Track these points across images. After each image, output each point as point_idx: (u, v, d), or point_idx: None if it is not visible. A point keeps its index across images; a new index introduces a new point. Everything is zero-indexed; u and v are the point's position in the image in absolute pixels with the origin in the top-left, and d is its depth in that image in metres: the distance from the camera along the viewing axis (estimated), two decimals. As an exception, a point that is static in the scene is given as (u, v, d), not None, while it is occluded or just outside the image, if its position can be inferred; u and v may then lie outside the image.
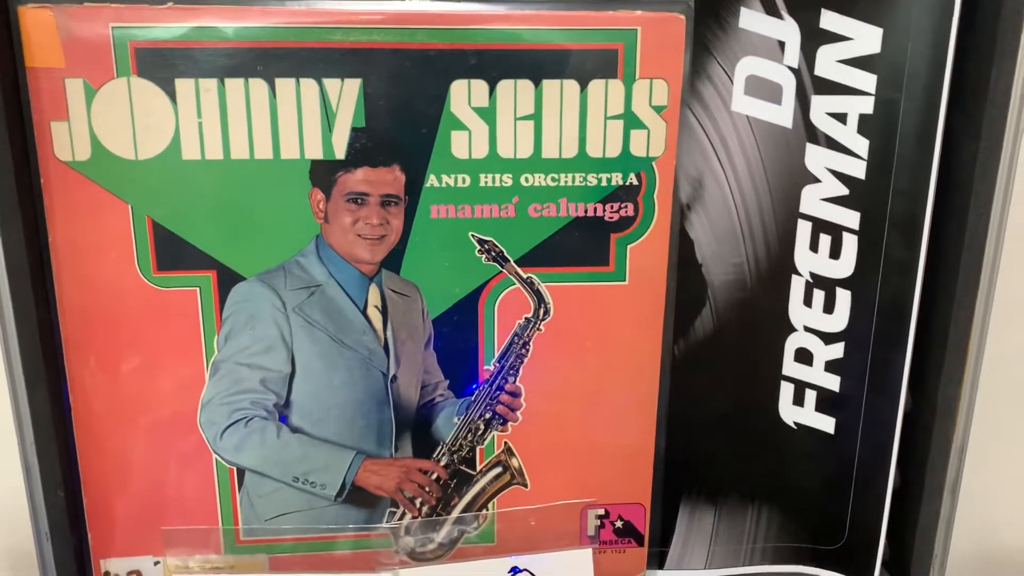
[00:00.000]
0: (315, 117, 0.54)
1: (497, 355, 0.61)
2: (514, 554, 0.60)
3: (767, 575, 0.68)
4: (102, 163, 0.54)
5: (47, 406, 0.57)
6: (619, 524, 0.66)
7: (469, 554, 0.63)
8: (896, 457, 0.64)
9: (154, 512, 0.61)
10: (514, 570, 0.59)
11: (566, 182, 0.57)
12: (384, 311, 0.59)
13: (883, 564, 0.67)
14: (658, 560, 0.67)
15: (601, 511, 0.65)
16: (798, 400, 0.64)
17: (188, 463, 0.60)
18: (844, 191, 0.58)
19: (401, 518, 0.63)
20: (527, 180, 0.56)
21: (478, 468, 0.63)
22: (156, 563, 0.63)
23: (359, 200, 0.56)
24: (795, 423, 0.64)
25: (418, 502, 0.63)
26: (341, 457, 0.61)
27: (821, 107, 0.57)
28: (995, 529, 0.76)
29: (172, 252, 0.56)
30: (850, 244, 0.60)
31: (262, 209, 0.56)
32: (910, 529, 0.66)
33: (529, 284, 0.59)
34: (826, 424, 0.64)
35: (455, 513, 0.63)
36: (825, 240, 0.60)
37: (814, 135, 0.58)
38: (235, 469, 0.61)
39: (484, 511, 0.63)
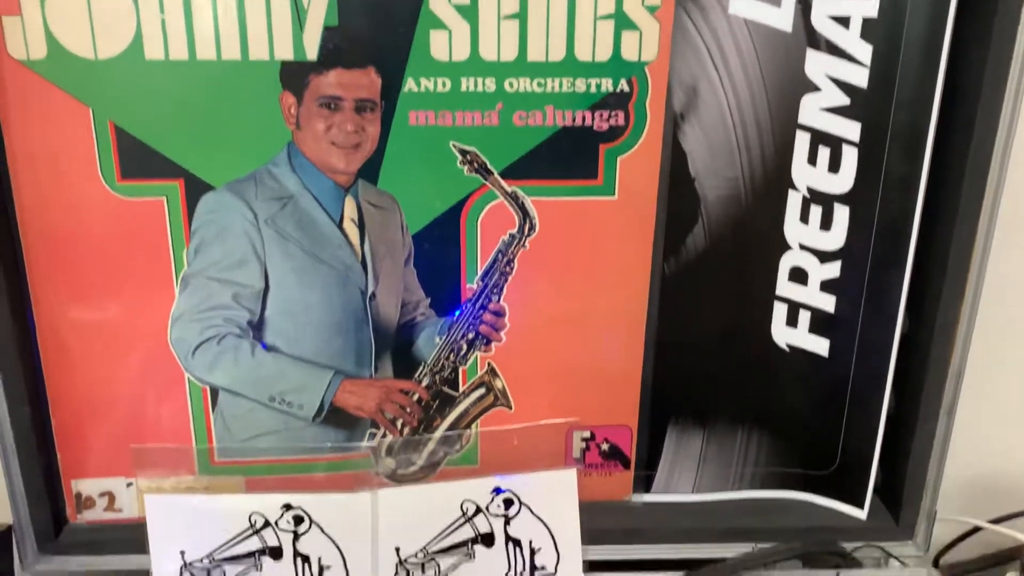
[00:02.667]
0: (285, 14, 0.51)
1: (480, 273, 0.58)
2: (497, 475, 0.58)
3: (756, 500, 0.66)
4: (60, 62, 0.51)
5: (9, 321, 0.55)
6: (605, 447, 0.64)
7: (451, 476, 0.61)
8: (891, 381, 0.62)
9: (125, 433, 0.60)
10: (497, 491, 0.58)
11: (553, 88, 0.54)
12: (361, 224, 0.56)
13: (875, 490, 0.65)
14: (644, 483, 0.66)
15: (587, 433, 0.63)
16: (791, 321, 0.62)
17: (159, 382, 0.58)
18: (845, 100, 0.55)
19: (381, 441, 0.62)
20: (511, 85, 0.53)
21: (461, 389, 0.61)
22: (129, 485, 0.61)
23: (332, 105, 0.53)
24: (788, 345, 0.62)
25: (399, 423, 0.61)
26: (319, 377, 0.59)
27: (823, 10, 0.54)
28: (989, 456, 0.74)
29: (137, 159, 0.53)
30: (850, 157, 0.57)
31: (230, 114, 0.53)
32: (903, 454, 0.64)
33: (514, 198, 0.56)
34: (820, 346, 0.62)
35: (437, 434, 0.62)
36: (824, 153, 0.57)
37: (815, 40, 0.54)
38: (208, 389, 0.59)
39: (467, 431, 0.61)
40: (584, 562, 0.60)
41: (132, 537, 0.60)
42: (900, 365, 0.62)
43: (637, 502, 0.66)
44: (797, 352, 0.62)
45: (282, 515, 0.57)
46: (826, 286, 0.60)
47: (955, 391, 0.62)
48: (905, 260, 0.59)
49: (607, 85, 0.54)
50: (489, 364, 0.61)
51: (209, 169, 0.54)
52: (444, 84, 0.53)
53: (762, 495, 0.67)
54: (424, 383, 0.61)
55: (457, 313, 0.59)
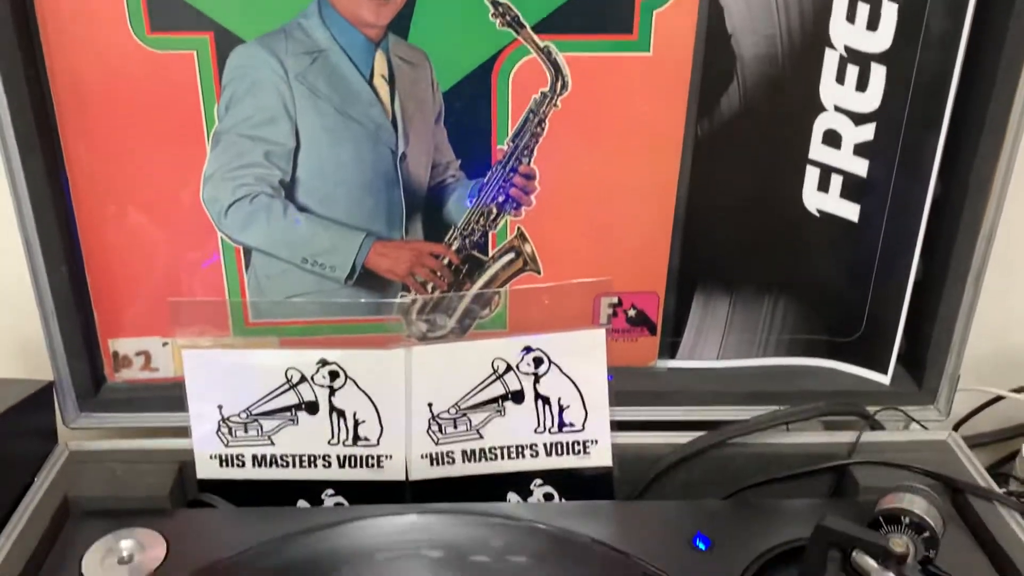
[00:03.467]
0: None
1: (511, 134, 0.58)
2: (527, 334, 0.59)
3: (780, 367, 0.67)
4: (85, -91, 0.50)
5: (43, 180, 0.55)
6: (632, 313, 0.65)
7: (481, 339, 0.62)
8: (920, 246, 0.62)
9: (160, 293, 0.60)
10: (527, 349, 0.59)
11: (588, -63, 0.52)
12: (391, 81, 0.56)
13: (899, 357, 0.66)
14: (670, 350, 0.67)
15: (614, 299, 0.64)
16: (823, 186, 0.61)
17: (193, 241, 0.59)
18: (887, -47, 0.54)
19: (413, 303, 0.62)
20: (546, -66, 0.52)
21: (490, 254, 0.62)
22: (164, 344, 0.63)
23: (363, -47, 0.52)
24: (818, 211, 0.62)
25: (430, 287, 0.62)
26: (350, 238, 0.60)
27: None
28: (1012, 329, 0.75)
29: (166, 11, 0.53)
30: (889, 14, 0.56)
31: (260, -38, 0.52)
32: (928, 320, 0.65)
33: (546, 53, 0.55)
34: (850, 212, 0.62)
35: (467, 297, 0.62)
36: (863, 9, 0.56)
37: None
38: (242, 249, 0.59)
39: (497, 290, 0.62)
40: (611, 422, 0.61)
41: (170, 395, 0.61)
42: (930, 230, 0.62)
43: (662, 368, 0.67)
44: (827, 217, 0.62)
45: (318, 370, 0.58)
46: (859, 149, 0.60)
47: (984, 256, 0.62)
48: (941, 121, 0.58)
49: (643, -66, 0.52)
50: (519, 229, 0.61)
51: (239, 22, 0.53)
52: (477, -68, 0.52)
53: (786, 362, 0.68)
54: (454, 247, 0.61)
55: (487, 175, 0.59)
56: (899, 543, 0.44)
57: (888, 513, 0.49)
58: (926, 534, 0.48)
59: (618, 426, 0.61)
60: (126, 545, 0.53)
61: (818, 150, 0.60)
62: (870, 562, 0.46)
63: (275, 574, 0.52)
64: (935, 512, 0.49)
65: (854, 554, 0.47)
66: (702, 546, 0.54)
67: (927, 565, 0.48)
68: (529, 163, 0.59)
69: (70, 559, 0.53)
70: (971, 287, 0.63)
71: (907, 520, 0.48)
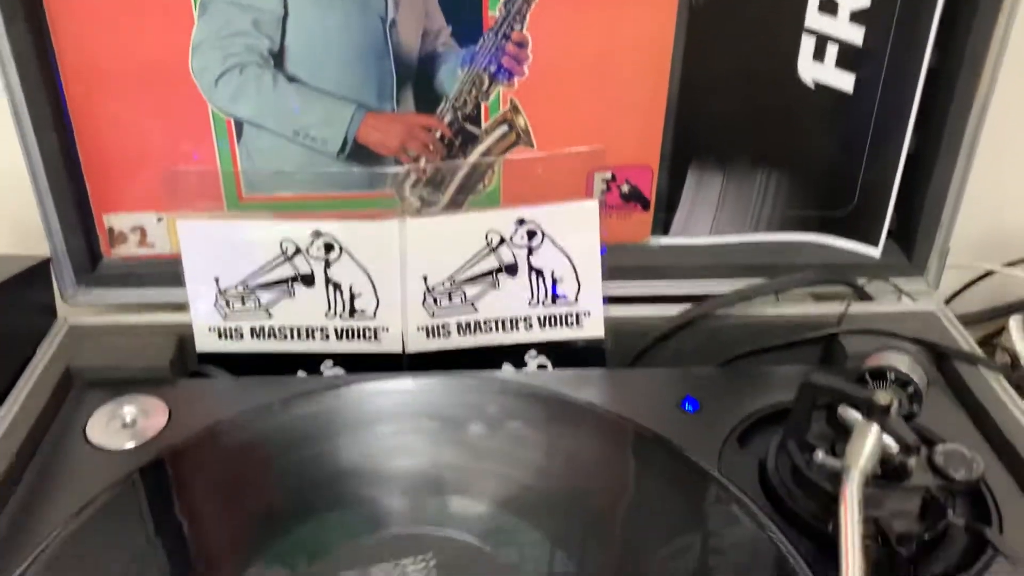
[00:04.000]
0: None
1: (502, -1, 0.57)
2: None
3: (772, 242, 0.68)
4: None
5: (29, 47, 0.55)
6: (625, 188, 0.65)
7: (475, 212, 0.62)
8: (915, 117, 0.61)
9: (153, 167, 0.60)
10: (520, 222, 0.59)
11: None
12: (381, -56, 0.55)
13: (889, 232, 0.67)
14: (663, 226, 0.67)
15: (608, 174, 0.64)
16: (818, 55, 0.61)
17: (183, 114, 0.58)
18: None
19: (406, 178, 0.62)
20: None
21: (483, 127, 0.61)
22: (159, 220, 0.63)
23: None
24: (813, 82, 0.62)
25: (422, 161, 0.62)
26: (341, 110, 0.59)
27: None
28: (1004, 206, 0.75)
29: None
30: None
31: None
32: (920, 194, 0.65)
33: (538, -85, 0.54)
34: (845, 82, 0.62)
35: (461, 172, 0.62)
36: None
37: None
38: (232, 121, 0.59)
39: (491, 160, 0.62)
40: (603, 296, 0.62)
41: (167, 271, 0.61)
42: (924, 102, 0.61)
43: (655, 244, 0.68)
44: (822, 89, 0.62)
45: (312, 242, 0.58)
46: (856, 16, 0.59)
47: (977, 128, 0.62)
48: (939, -14, 0.57)
49: None
50: (512, 101, 0.61)
51: None
52: None
53: (778, 237, 0.68)
54: (446, 120, 0.61)
55: (479, 42, 0.58)
56: (884, 396, 0.45)
57: (874, 370, 0.50)
58: (910, 389, 0.49)
59: (610, 301, 0.62)
60: (129, 411, 0.55)
61: (814, 18, 0.60)
62: (855, 415, 0.47)
63: (276, 433, 0.53)
64: (920, 370, 0.50)
65: (839, 409, 0.48)
66: (690, 408, 0.55)
67: (910, 420, 0.49)
68: (522, 30, 0.58)
69: (74, 425, 0.54)
70: (963, 159, 0.63)
71: (892, 376, 0.49)
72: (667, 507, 0.49)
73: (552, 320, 0.61)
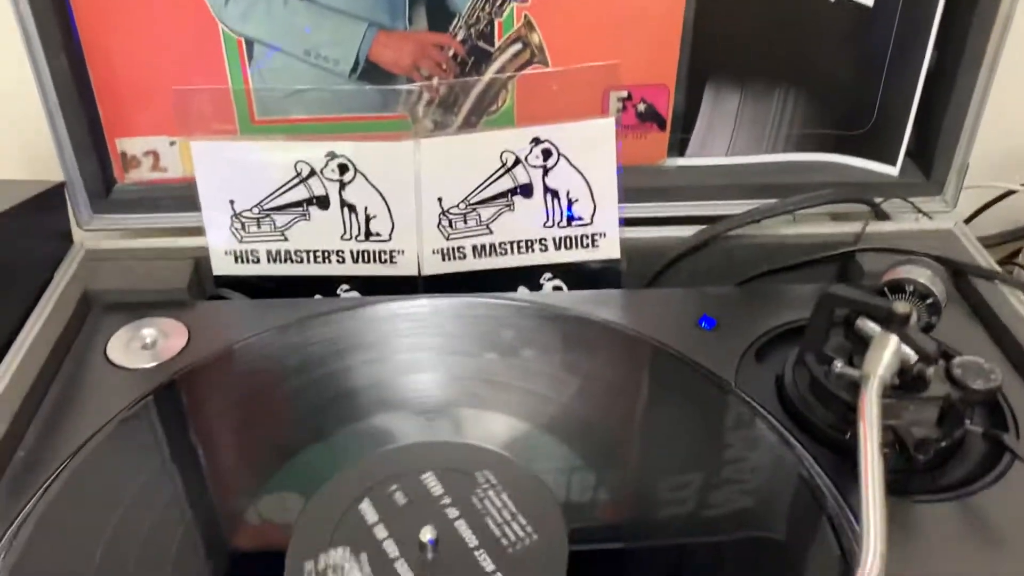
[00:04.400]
0: None
1: (516, -87, 0.56)
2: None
3: (790, 162, 0.67)
4: None
5: (37, -35, 0.54)
6: (641, 107, 0.64)
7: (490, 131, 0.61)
8: (935, 31, 0.60)
9: (164, 89, 0.60)
10: (535, 141, 0.58)
11: None
12: None
13: (907, 152, 0.66)
14: (679, 147, 0.67)
15: (624, 93, 0.63)
16: (839, -33, 0.59)
17: (194, 34, 0.58)
18: None
19: (419, 99, 0.62)
20: None
21: (496, 44, 0.60)
22: (172, 143, 0.62)
23: None
24: (833, -5, 0.60)
25: (435, 80, 0.61)
26: (352, 29, 0.58)
27: None
28: (1022, 127, 0.74)
29: None
30: None
31: None
32: (939, 112, 0.64)
33: None
34: (866, -4, 0.60)
35: (475, 91, 0.61)
36: None
37: None
38: (243, 41, 0.58)
39: (505, 78, 0.61)
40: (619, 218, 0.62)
41: (181, 195, 0.61)
42: (945, 16, 0.60)
43: (671, 165, 0.67)
44: (842, 3, 0.61)
45: (327, 164, 0.58)
46: (878, -74, 0.58)
47: (999, 44, 0.60)
48: None
49: None
50: (526, 16, 0.60)
51: None
52: None
53: (796, 158, 0.67)
54: (459, 37, 0.60)
55: (493, -43, 0.57)
56: (903, 305, 0.45)
57: (892, 283, 0.50)
58: (929, 301, 0.49)
59: (626, 223, 0.62)
60: (148, 333, 0.55)
61: (835, -72, 0.58)
62: (873, 327, 0.47)
63: (293, 354, 0.53)
64: (939, 282, 0.50)
65: (858, 321, 0.48)
66: (707, 326, 0.55)
67: (928, 332, 0.49)
68: (535, -54, 0.57)
69: (95, 347, 0.54)
70: (984, 76, 0.62)
71: (911, 288, 0.49)
72: (686, 421, 0.49)
73: (567, 242, 0.61)
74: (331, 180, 0.58)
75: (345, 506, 0.42)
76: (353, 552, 0.40)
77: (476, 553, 0.40)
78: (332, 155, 0.57)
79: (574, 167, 0.59)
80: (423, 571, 0.39)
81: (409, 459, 0.45)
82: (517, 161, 0.59)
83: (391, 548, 0.40)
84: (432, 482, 0.44)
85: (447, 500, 0.43)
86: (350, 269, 0.61)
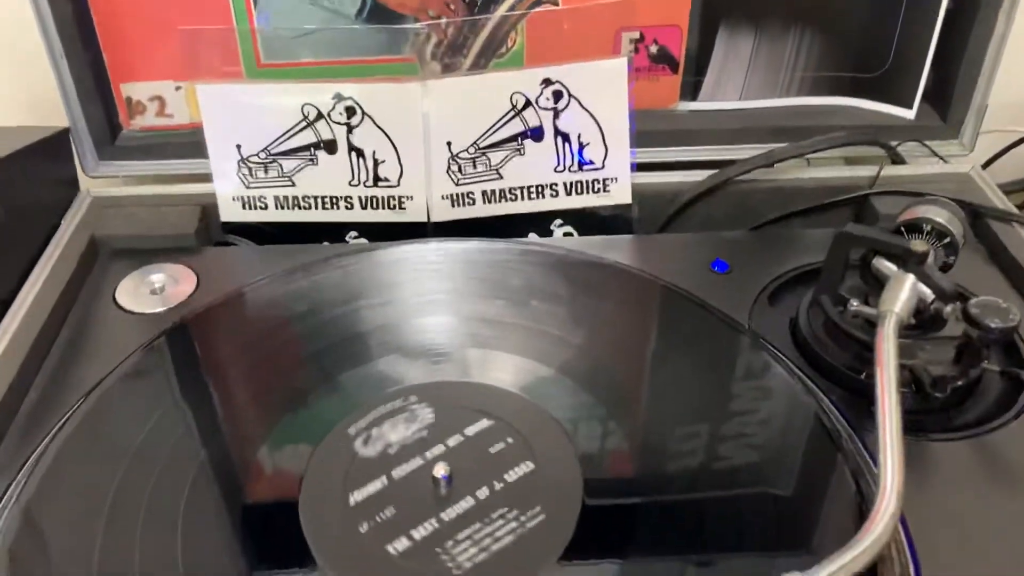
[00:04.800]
0: None
1: None
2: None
3: (804, 107, 0.66)
4: None
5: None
6: (654, 49, 0.63)
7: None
8: (955, -30, 0.59)
9: (169, 33, 0.58)
10: (546, 82, 0.57)
11: None
12: None
13: (924, 95, 0.65)
14: (692, 91, 0.65)
15: (635, 34, 0.62)
16: (857, -98, 0.58)
17: (198, -25, 0.57)
18: None
19: (427, 40, 0.61)
20: None
21: (506, -15, 0.59)
22: (178, 88, 0.62)
23: None
24: (850, -68, 0.59)
25: (443, 21, 0.60)
26: (359, -31, 0.57)
27: None
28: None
29: None
30: None
31: None
32: (957, 53, 0.63)
33: None
34: (884, -68, 0.59)
35: (484, 31, 0.60)
36: None
37: None
38: (248, -18, 0.57)
39: (515, 15, 0.60)
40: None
41: (187, 141, 0.61)
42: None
43: (684, 109, 0.66)
44: (859, -60, 0.59)
45: (334, 106, 0.57)
46: None
47: (1021, -19, 0.59)
48: None
49: None
50: (535, -44, 0.58)
51: None
52: None
53: (810, 101, 0.66)
54: (468, -22, 0.59)
55: None
56: (920, 244, 0.45)
57: (910, 223, 0.49)
58: (947, 240, 0.48)
59: (638, 168, 0.61)
60: (157, 278, 0.55)
61: None
62: (890, 266, 0.46)
63: (301, 297, 0.53)
64: (957, 221, 0.49)
65: (874, 261, 0.47)
66: (720, 270, 0.55)
67: (946, 272, 0.49)
68: None
69: (103, 292, 0.54)
70: (1004, 16, 0.60)
71: (928, 228, 0.48)
72: (700, 364, 0.49)
73: (578, 187, 0.60)
74: (338, 124, 0.57)
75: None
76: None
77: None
78: (339, 97, 0.57)
79: (585, 109, 0.58)
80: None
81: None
82: (527, 103, 0.58)
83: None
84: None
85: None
86: (358, 216, 0.60)
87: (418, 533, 0.38)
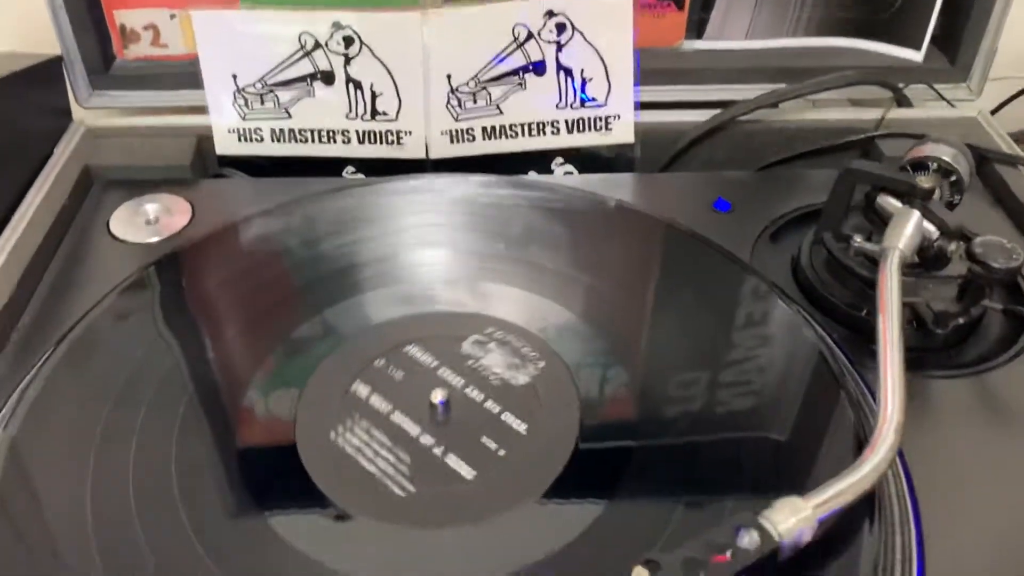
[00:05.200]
0: None
1: None
2: (549, 0, 0.56)
3: (810, 47, 0.65)
4: None
5: None
6: (659, -15, 0.62)
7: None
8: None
9: (163, -42, 0.57)
10: (549, 14, 0.56)
11: None
12: None
13: (932, 38, 0.63)
14: (697, 30, 0.64)
15: (641, -31, 0.61)
16: None
17: None
18: None
19: (427, -29, 0.59)
20: None
21: (509, -86, 0.58)
22: (172, 16, 0.60)
23: None
24: None
25: (445, -48, 0.59)
26: None
27: None
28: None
29: None
30: None
31: None
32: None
33: None
34: None
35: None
36: None
37: None
38: (244, -95, 0.56)
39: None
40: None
41: (183, 72, 0.60)
42: None
43: (689, 48, 0.65)
44: None
45: (332, 35, 0.56)
46: None
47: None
48: None
49: None
50: None
51: None
52: None
53: (817, 42, 0.65)
54: (471, -94, 0.57)
55: None
56: (926, 180, 0.44)
57: (916, 161, 0.48)
58: (953, 178, 0.47)
59: (641, 107, 0.60)
60: (152, 208, 0.54)
61: None
62: (895, 203, 0.45)
63: (297, 229, 0.52)
64: (963, 160, 0.48)
65: (878, 199, 0.47)
66: (722, 209, 0.54)
67: (951, 209, 0.48)
68: None
69: (97, 222, 0.53)
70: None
71: (935, 166, 0.47)
72: (700, 300, 0.48)
73: (580, 124, 0.59)
74: (336, 54, 0.56)
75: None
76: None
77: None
78: (337, 26, 0.55)
79: (589, 43, 0.57)
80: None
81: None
82: (530, 35, 0.57)
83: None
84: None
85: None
86: (355, 150, 0.59)
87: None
